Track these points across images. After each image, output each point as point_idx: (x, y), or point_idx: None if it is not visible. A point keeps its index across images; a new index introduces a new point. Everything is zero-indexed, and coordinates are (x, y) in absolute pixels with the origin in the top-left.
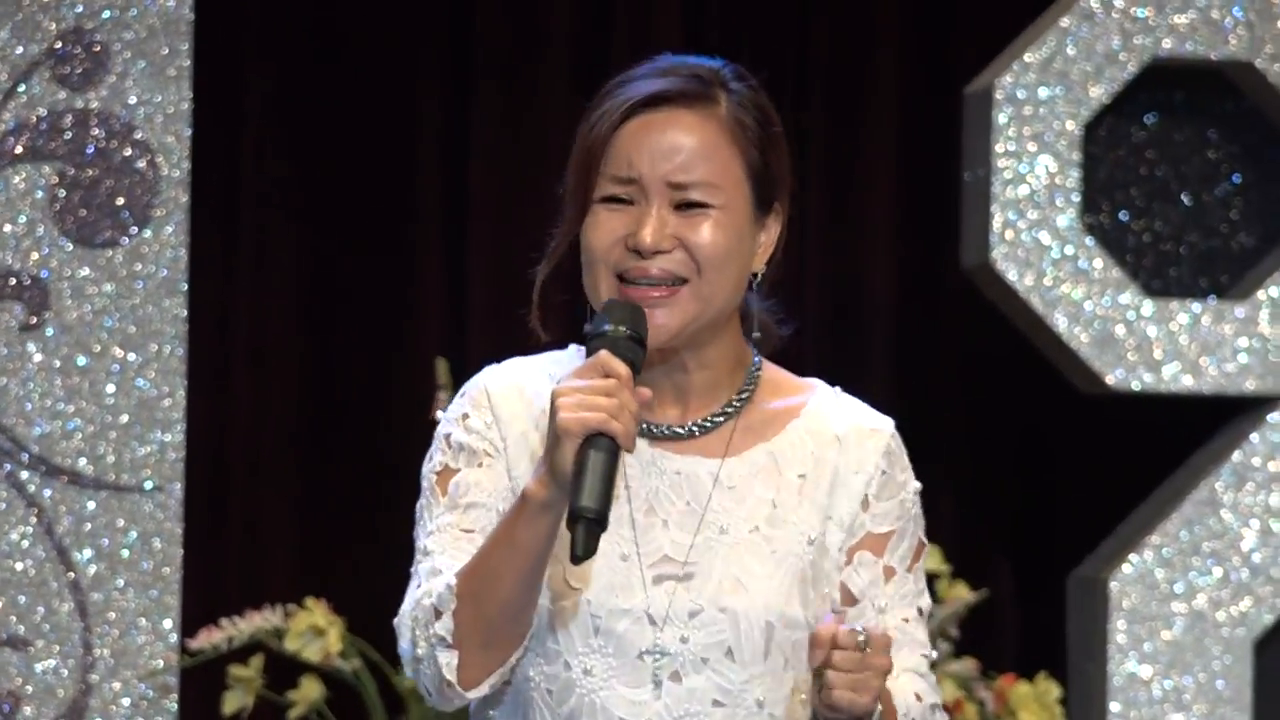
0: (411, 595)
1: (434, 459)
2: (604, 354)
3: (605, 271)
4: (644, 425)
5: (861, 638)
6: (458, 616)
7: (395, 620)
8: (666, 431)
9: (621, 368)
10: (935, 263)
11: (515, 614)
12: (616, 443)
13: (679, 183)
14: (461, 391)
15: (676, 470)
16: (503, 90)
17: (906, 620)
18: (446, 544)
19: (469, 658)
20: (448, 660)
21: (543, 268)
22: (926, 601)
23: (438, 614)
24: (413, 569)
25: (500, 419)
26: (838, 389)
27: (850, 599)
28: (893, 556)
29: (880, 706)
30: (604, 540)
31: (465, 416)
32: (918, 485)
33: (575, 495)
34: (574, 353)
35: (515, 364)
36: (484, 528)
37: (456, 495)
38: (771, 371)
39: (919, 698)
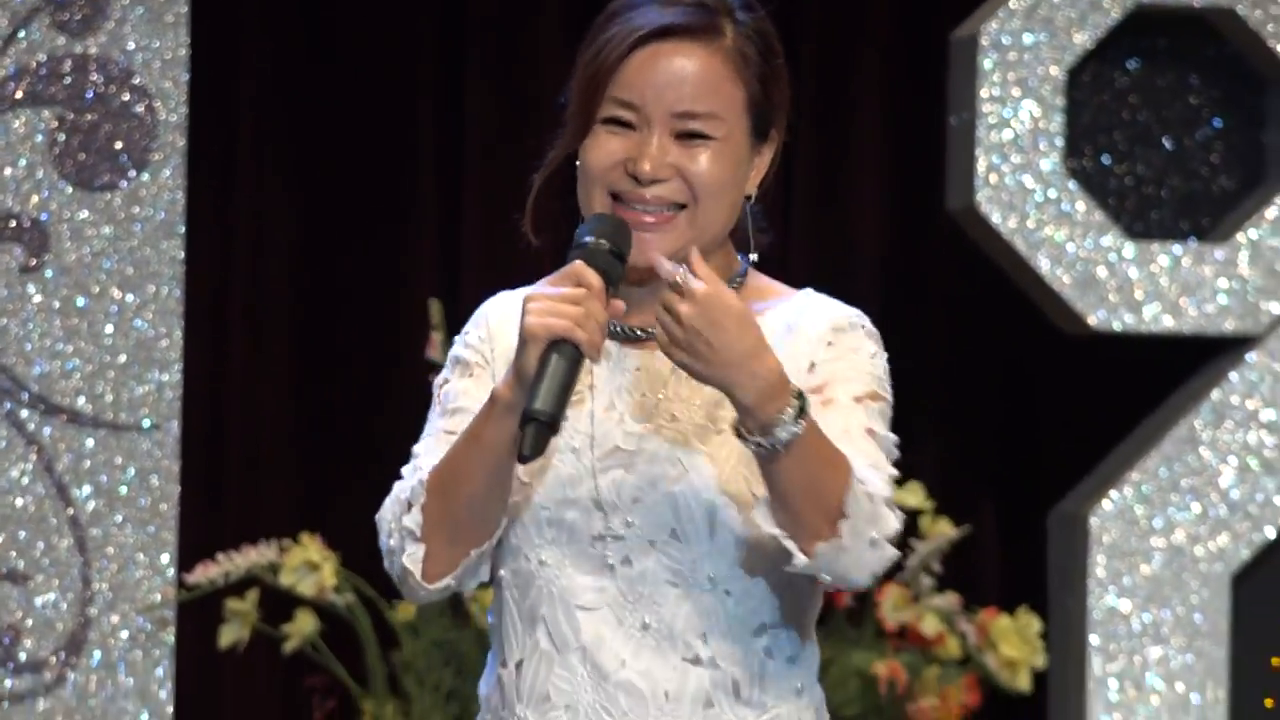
0: (393, 492)
1: (442, 375)
2: (578, 264)
3: (601, 190)
4: (617, 327)
5: (679, 277)
6: (426, 510)
7: (376, 516)
8: (639, 333)
9: (594, 278)
10: (921, 207)
11: (480, 510)
12: (580, 350)
13: (682, 112)
14: (479, 311)
15: (637, 366)
16: (497, 43)
17: (847, 431)
18: (431, 446)
19: (434, 550)
20: (412, 552)
21: (538, 176)
22: (886, 443)
23: (409, 507)
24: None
25: (493, 335)
26: (823, 295)
27: None
28: (833, 391)
29: (793, 408)
30: (562, 436)
31: (466, 334)
32: (880, 355)
33: (530, 398)
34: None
35: (521, 290)
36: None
37: (446, 402)
38: (756, 279)
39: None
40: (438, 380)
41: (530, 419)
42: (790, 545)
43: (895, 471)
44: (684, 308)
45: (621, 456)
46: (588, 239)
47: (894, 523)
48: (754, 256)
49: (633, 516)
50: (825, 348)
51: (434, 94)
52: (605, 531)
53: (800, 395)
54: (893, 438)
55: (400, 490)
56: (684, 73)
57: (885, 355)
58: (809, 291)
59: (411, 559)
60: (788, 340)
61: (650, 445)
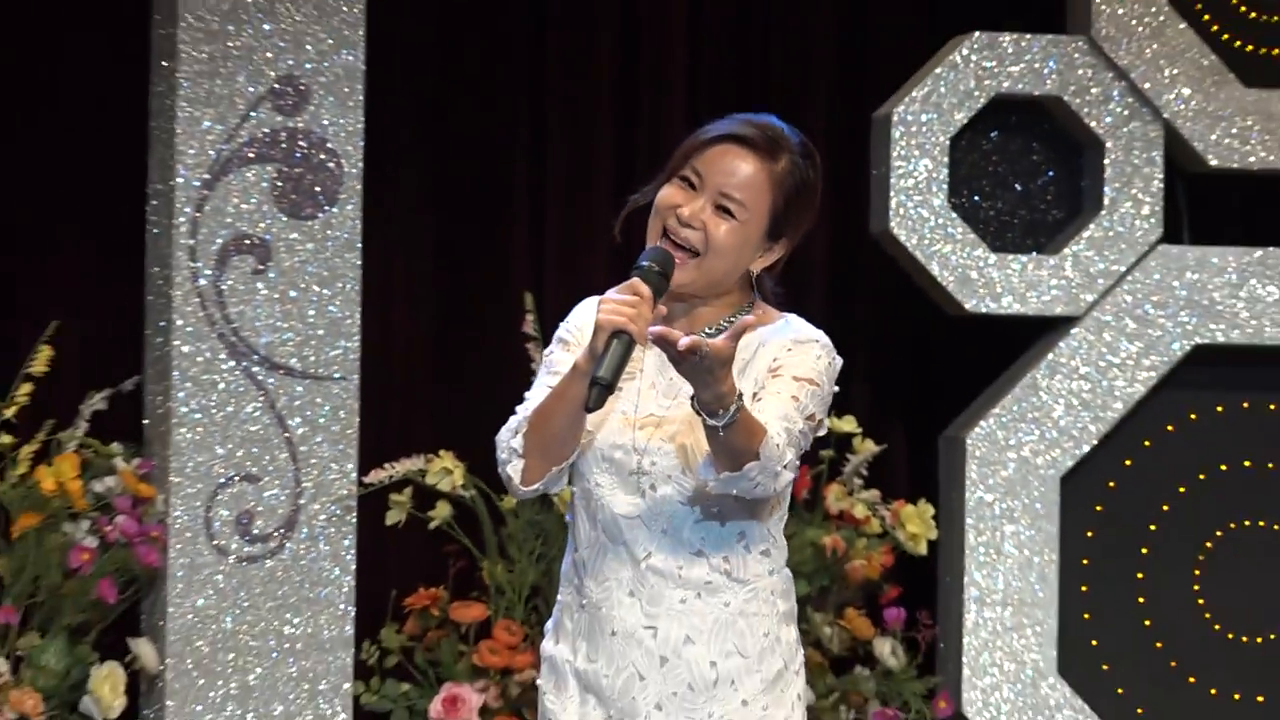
0: (507, 423)
1: (555, 341)
2: (636, 280)
3: (658, 223)
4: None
5: (684, 344)
6: (527, 437)
7: (495, 438)
8: None
9: (645, 290)
10: (854, 230)
11: (561, 441)
12: (632, 339)
13: (724, 193)
14: (591, 300)
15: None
16: (565, 117)
17: (779, 393)
18: (535, 394)
19: (530, 464)
20: (516, 464)
21: (633, 201)
22: (809, 406)
23: (516, 433)
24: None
25: (582, 325)
26: (801, 320)
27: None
28: (782, 370)
29: (734, 406)
30: (618, 402)
31: (567, 322)
32: (826, 360)
33: (596, 368)
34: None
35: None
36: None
37: (550, 367)
38: (762, 309)
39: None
40: (548, 350)
41: (596, 382)
42: (715, 481)
43: (803, 427)
44: (714, 351)
45: (653, 419)
46: (645, 263)
47: (788, 458)
48: (778, 289)
49: (657, 459)
50: (786, 352)
51: (530, 155)
52: (638, 468)
53: (739, 397)
54: (811, 409)
55: (512, 422)
56: (738, 169)
57: (835, 364)
58: (792, 317)
59: (515, 469)
60: (761, 351)
61: (672, 413)
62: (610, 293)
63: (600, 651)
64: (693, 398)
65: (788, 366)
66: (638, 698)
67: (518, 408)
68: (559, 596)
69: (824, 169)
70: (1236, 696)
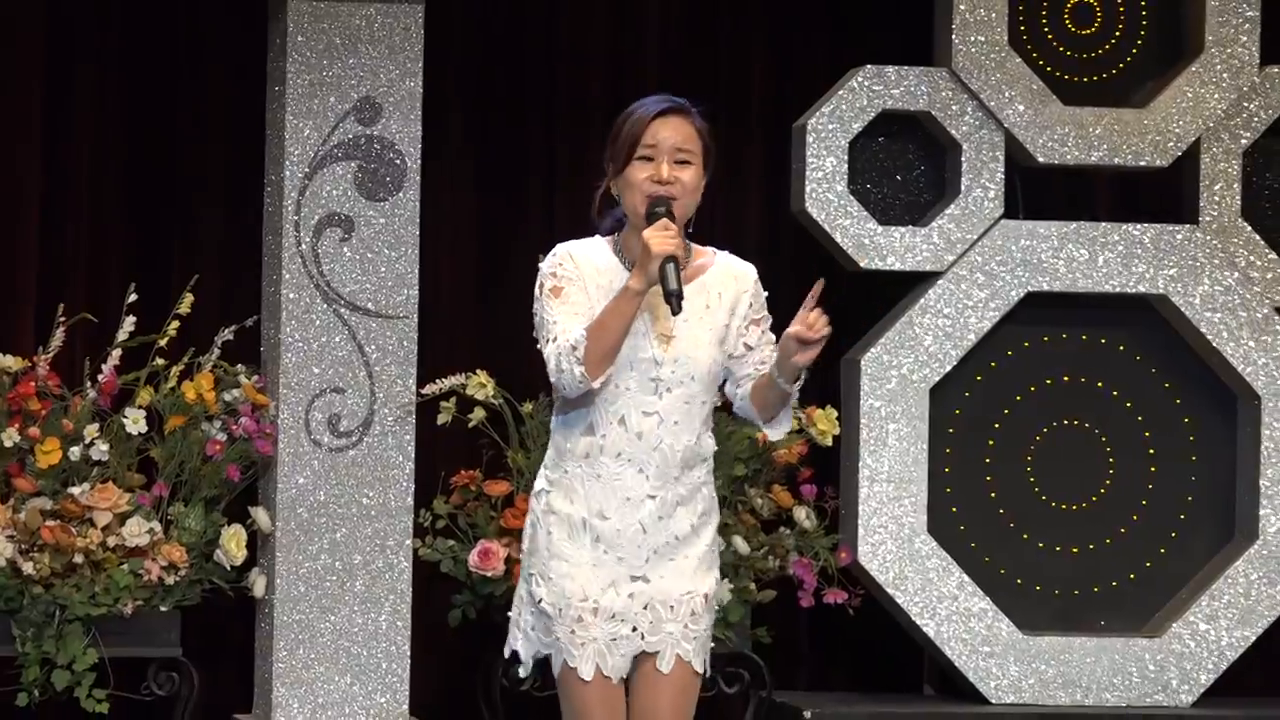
0: (555, 343)
1: (545, 285)
2: (665, 219)
3: (638, 194)
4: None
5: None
6: (587, 347)
7: (546, 352)
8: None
9: (673, 225)
10: (780, 208)
11: (613, 348)
12: (678, 261)
13: (676, 148)
14: (553, 252)
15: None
16: (568, 125)
17: (771, 342)
18: (565, 319)
19: (591, 366)
20: (581, 369)
21: (601, 191)
22: (772, 338)
23: (575, 347)
24: (547, 335)
25: (577, 262)
26: (726, 251)
27: (746, 346)
28: (763, 322)
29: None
30: (639, 323)
31: (560, 265)
32: (765, 294)
33: (671, 283)
34: (597, 239)
35: (574, 242)
36: (579, 311)
37: (566, 298)
38: (694, 246)
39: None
40: (547, 287)
41: (673, 295)
42: (759, 419)
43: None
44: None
45: (665, 339)
46: (659, 209)
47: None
48: (690, 230)
49: (672, 369)
50: (757, 292)
51: (543, 152)
52: (655, 375)
53: (799, 374)
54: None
55: (564, 339)
56: (680, 128)
57: None
58: (718, 251)
59: (581, 371)
60: (734, 285)
61: (678, 331)
62: (647, 231)
63: (613, 511)
64: (776, 376)
65: (764, 314)
66: (641, 545)
67: (555, 332)
68: (566, 468)
69: (759, 166)
70: (1057, 549)
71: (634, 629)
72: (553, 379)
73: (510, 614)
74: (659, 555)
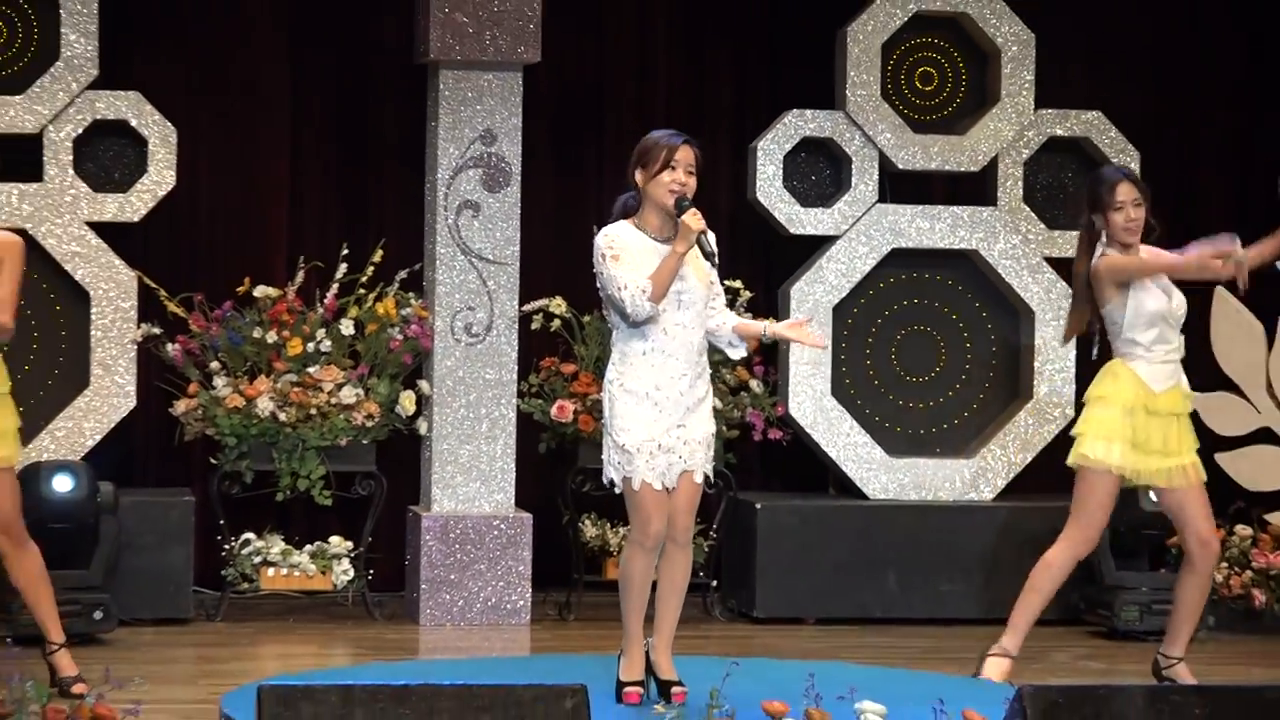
0: (628, 290)
1: (607, 255)
2: (693, 209)
3: (666, 189)
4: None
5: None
6: (653, 289)
7: (620, 296)
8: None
9: (699, 213)
10: (741, 196)
11: (667, 286)
12: (705, 232)
13: (688, 165)
14: (603, 233)
15: (696, 255)
16: (619, 140)
17: (721, 293)
18: (630, 275)
19: (655, 301)
20: (651, 304)
21: (624, 198)
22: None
23: (644, 290)
24: (619, 285)
25: (623, 239)
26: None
27: (710, 283)
28: (717, 284)
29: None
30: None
31: (613, 242)
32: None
33: (707, 247)
34: (623, 223)
35: (611, 226)
36: (634, 267)
37: (623, 262)
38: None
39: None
40: (609, 256)
41: (711, 254)
42: (738, 347)
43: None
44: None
45: (682, 280)
46: (686, 202)
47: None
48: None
49: (687, 300)
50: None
51: (595, 168)
52: (681, 301)
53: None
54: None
55: (632, 287)
56: (691, 154)
57: None
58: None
59: (651, 306)
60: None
61: (688, 276)
62: (686, 215)
63: (664, 387)
64: (764, 332)
65: (716, 275)
66: (678, 405)
67: (625, 281)
68: (631, 362)
69: (728, 171)
70: (910, 405)
71: (680, 457)
72: (629, 310)
73: (602, 456)
74: (689, 411)
